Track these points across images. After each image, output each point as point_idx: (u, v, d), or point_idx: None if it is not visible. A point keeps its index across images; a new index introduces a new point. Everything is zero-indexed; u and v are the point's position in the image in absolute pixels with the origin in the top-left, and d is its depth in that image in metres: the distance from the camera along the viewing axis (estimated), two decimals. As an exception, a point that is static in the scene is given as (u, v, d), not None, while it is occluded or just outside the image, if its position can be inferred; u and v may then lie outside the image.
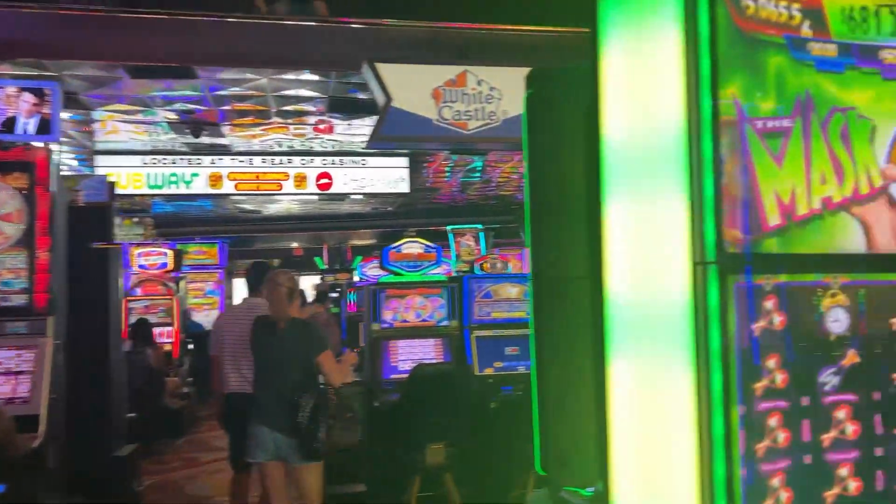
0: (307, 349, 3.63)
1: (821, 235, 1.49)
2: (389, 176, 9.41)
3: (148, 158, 9.20)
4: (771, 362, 1.43)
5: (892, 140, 1.54)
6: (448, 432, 4.57)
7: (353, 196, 11.34)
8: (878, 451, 1.50)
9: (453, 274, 7.31)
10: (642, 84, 1.56)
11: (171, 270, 9.39)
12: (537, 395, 2.17)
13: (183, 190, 9.26)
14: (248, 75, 6.64)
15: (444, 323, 5.38)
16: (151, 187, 9.16)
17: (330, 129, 8.63)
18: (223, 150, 9.34)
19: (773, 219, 1.44)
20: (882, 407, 1.50)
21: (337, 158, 9.30)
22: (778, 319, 1.44)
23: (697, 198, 1.40)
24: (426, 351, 5.27)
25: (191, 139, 8.56)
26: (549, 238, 2.19)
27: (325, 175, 9.31)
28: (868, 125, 1.54)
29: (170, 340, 8.82)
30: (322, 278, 12.52)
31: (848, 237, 1.51)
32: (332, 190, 9.43)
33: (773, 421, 1.42)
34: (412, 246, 5.45)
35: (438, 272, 5.93)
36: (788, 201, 1.45)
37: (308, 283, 13.60)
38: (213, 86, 6.93)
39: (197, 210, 13.68)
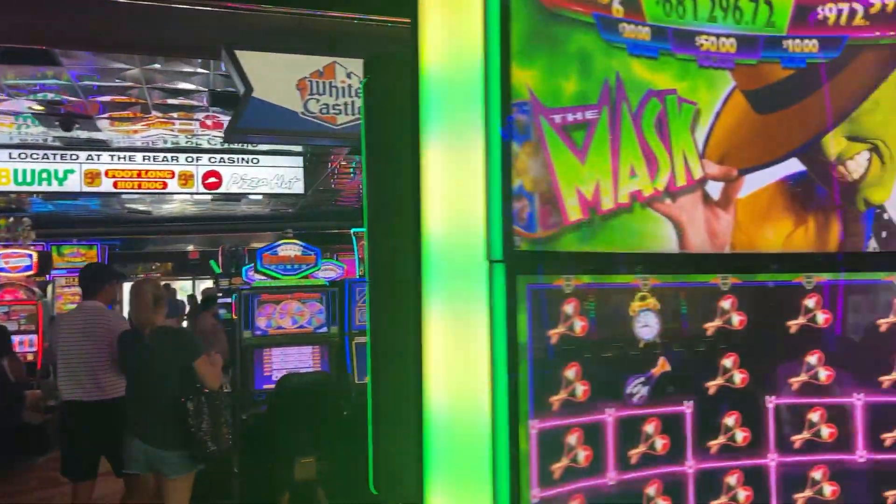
0: (181, 356, 3.53)
1: (630, 234, 1.36)
2: (283, 175, 9.05)
3: (15, 152, 8.47)
4: (570, 372, 1.29)
5: (707, 133, 1.44)
6: (319, 445, 4.33)
7: (251, 196, 10.88)
8: (690, 467, 1.39)
9: (357, 277, 7.08)
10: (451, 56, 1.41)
11: (36, 274, 8.65)
12: (371, 407, 1.99)
13: (55, 188, 8.56)
14: (119, 65, 6.18)
15: (323, 329, 5.13)
16: (19, 184, 8.43)
17: (219, 125, 8.19)
18: (101, 146, 8.72)
19: (574, 214, 1.31)
20: (695, 418, 1.39)
21: (226, 156, 8.85)
22: (579, 325, 1.30)
23: (484, 191, 1.25)
24: (303, 359, 5.01)
25: (63, 133, 7.92)
26: (387, 239, 2.00)
27: (214, 174, 8.84)
28: (691, 110, 1.43)
29: (33, 350, 8.12)
30: (216, 282, 11.96)
31: (660, 236, 1.39)
32: (221, 189, 8.96)
33: (572, 438, 1.28)
34: (289, 248, 5.17)
35: (322, 275, 5.67)
36: (592, 196, 1.32)
37: (201, 288, 12.98)
38: (79, 73, 6.41)
39: (81, 210, 12.79)
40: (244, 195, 10.25)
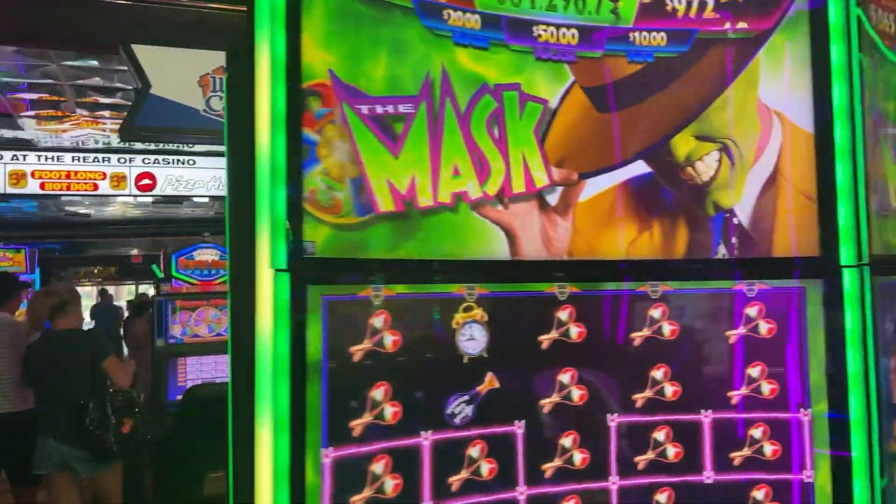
0: (88, 357, 3.51)
1: (454, 238, 1.24)
2: (220, 177, 8.78)
3: (-66, 152, 8.07)
4: (378, 392, 1.17)
5: (544, 133, 1.33)
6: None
7: (195, 199, 10.57)
8: (521, 493, 1.28)
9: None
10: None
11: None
12: (231, 416, 1.83)
13: (-23, 189, 8.19)
14: (35, 61, 5.89)
15: (243, 337, 4.93)
16: (-63, 185, 8.03)
17: (152, 126, 7.89)
18: (26, 146, 8.36)
19: (386, 205, 1.18)
20: (528, 439, 1.28)
21: (160, 157, 8.57)
22: (391, 339, 1.18)
23: (268, 192, 1.12)
24: (220, 368, 4.79)
25: (-16, 131, 7.57)
26: (250, 242, 1.85)
27: (147, 175, 8.55)
28: (537, 110, 1.32)
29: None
30: (157, 287, 11.58)
31: (488, 242, 1.27)
32: (155, 192, 8.67)
33: (378, 466, 1.16)
34: (205, 252, 4.97)
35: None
36: (406, 190, 1.20)
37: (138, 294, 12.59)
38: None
39: (16, 212, 12.29)
40: (184, 198, 9.95)
